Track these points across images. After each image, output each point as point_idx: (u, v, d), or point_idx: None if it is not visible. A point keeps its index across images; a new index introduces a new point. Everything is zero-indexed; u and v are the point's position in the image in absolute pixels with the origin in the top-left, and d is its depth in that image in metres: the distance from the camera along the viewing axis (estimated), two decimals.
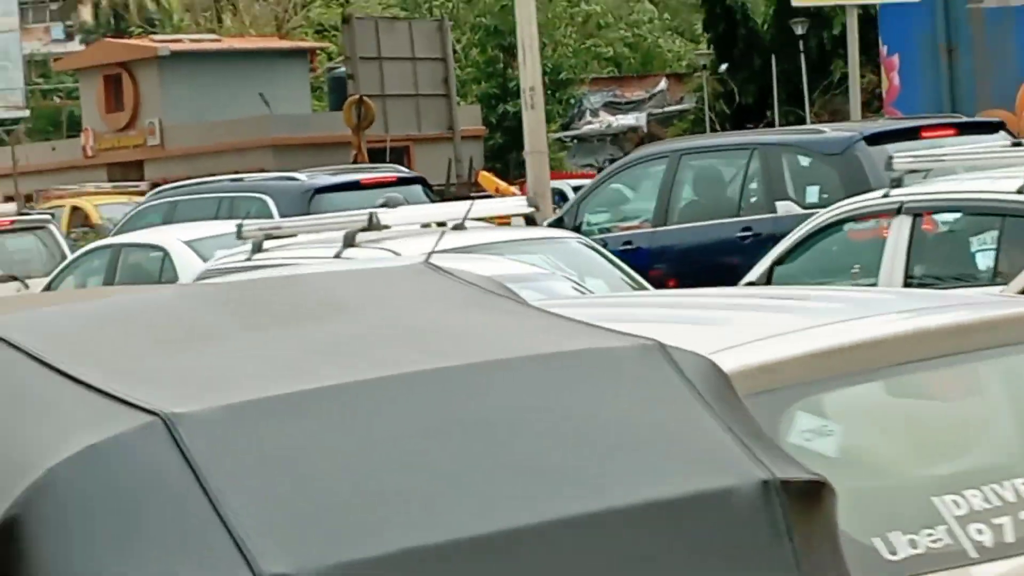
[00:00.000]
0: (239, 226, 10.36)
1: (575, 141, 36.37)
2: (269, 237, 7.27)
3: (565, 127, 36.27)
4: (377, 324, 1.77)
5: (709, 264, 9.67)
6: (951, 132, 9.92)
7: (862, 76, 27.33)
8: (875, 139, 9.73)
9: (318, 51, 31.22)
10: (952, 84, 20.35)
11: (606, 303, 4.57)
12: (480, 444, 1.49)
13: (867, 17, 25.11)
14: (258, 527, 1.24)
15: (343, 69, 25.92)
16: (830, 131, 11.06)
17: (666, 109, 38.31)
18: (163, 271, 10.84)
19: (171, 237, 11.45)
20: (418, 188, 13.59)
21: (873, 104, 27.70)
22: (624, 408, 1.61)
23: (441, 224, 7.04)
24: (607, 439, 1.55)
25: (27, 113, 38.96)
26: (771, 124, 27.03)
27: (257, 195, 13.02)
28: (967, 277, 6.39)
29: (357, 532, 1.35)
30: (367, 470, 1.42)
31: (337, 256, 6.56)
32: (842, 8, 26.00)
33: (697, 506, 1.48)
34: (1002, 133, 10.23)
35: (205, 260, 10.19)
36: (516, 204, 8.15)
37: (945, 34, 20.50)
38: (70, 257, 12.15)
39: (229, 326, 1.72)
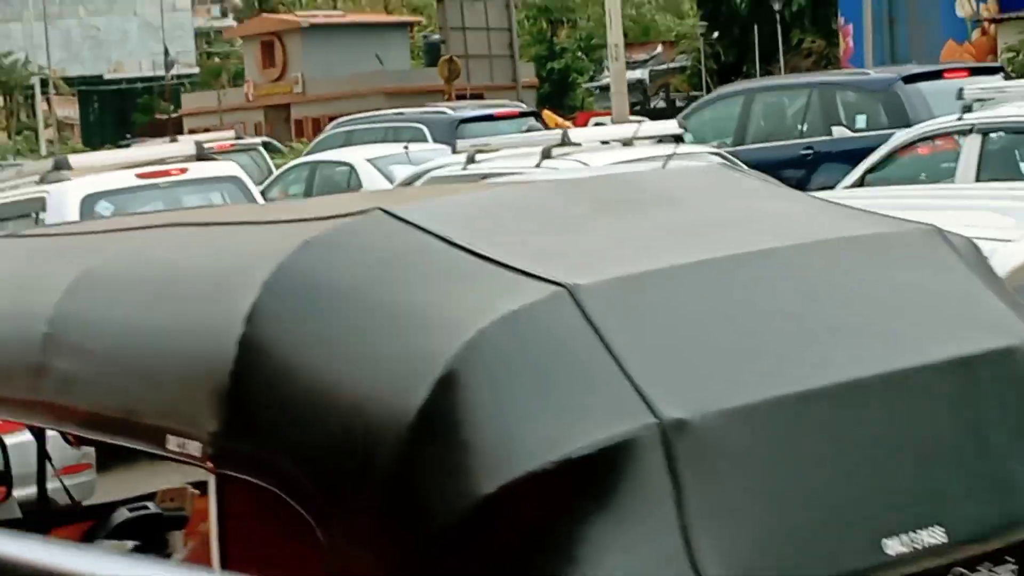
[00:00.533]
0: (405, 147, 10.39)
1: (599, 91, 36.15)
2: (479, 151, 6.78)
3: (591, 79, 36.07)
4: (705, 212, 1.62)
5: (777, 177, 9.09)
6: (966, 74, 9.43)
7: (812, 42, 27.94)
8: (910, 79, 9.34)
9: (415, 23, 30.49)
10: (892, 46, 20.42)
11: (879, 195, 4.34)
12: (823, 310, 1.39)
13: None
14: (657, 379, 1.15)
15: (436, 36, 25.99)
16: (875, 73, 10.74)
17: (662, 67, 37.80)
18: (350, 182, 10.44)
19: (356, 155, 11.04)
20: (533, 119, 13.04)
21: (822, 63, 26.94)
22: (923, 282, 1.50)
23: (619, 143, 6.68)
24: (916, 308, 1.45)
25: (197, 70, 38.43)
26: (748, 77, 26.49)
27: (415, 125, 12.45)
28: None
29: (738, 382, 1.25)
30: (739, 331, 1.32)
31: (537, 167, 6.10)
32: None
33: (990, 362, 1.38)
34: (1001, 75, 9.81)
35: (382, 173, 10.03)
36: (668, 126, 7.59)
37: (888, 8, 20.50)
38: (276, 172, 11.87)
39: (589, 214, 1.56)
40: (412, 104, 17.38)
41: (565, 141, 6.29)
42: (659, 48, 39.02)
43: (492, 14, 23.12)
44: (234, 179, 6.92)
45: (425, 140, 11.40)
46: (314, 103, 22.58)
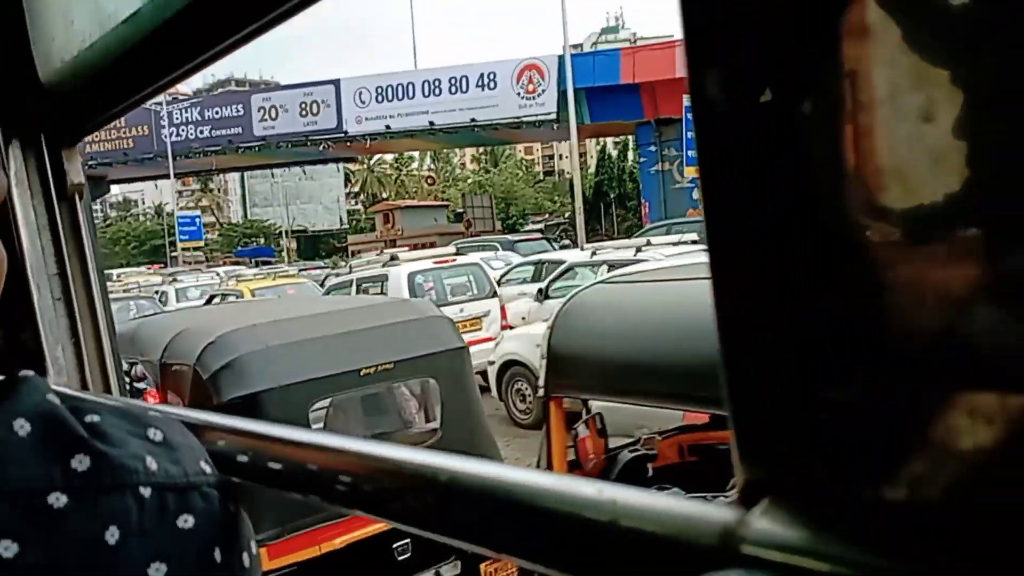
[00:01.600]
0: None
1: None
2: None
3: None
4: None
5: None
6: None
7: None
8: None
9: (448, 204, 52.64)
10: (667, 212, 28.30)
11: None
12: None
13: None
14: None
15: (460, 211, 48.44)
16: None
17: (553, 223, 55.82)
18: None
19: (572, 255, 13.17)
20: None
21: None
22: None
23: None
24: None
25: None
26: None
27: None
28: None
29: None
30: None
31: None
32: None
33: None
34: None
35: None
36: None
37: (663, 191, 30.44)
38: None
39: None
40: (446, 238, 38.40)
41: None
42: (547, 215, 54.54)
43: (484, 200, 44.44)
44: (478, 264, 10.86)
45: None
46: (406, 239, 35.79)
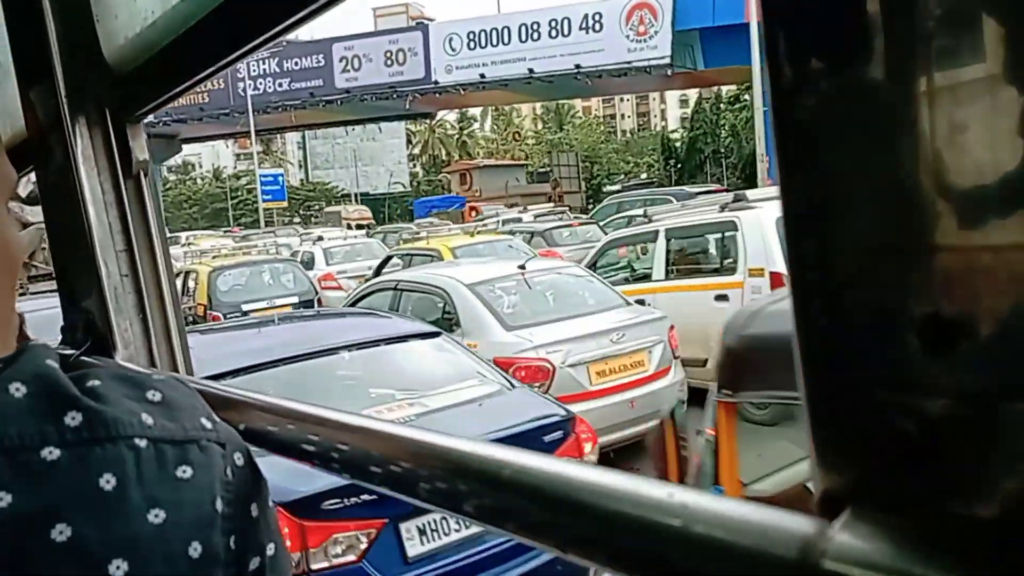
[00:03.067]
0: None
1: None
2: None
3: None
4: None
5: None
6: None
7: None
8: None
9: (527, 163, 50.30)
10: None
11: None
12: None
13: None
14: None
15: (543, 169, 45.79)
16: None
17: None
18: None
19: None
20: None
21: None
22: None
23: None
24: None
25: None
26: None
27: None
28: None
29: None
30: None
31: None
32: None
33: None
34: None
35: None
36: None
37: None
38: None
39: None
40: (530, 199, 36.21)
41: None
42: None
43: (571, 159, 42.35)
44: None
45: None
46: (484, 199, 34.68)
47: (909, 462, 0.29)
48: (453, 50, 32.25)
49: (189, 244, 23.56)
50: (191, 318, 9.61)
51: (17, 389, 0.51)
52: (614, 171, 45.40)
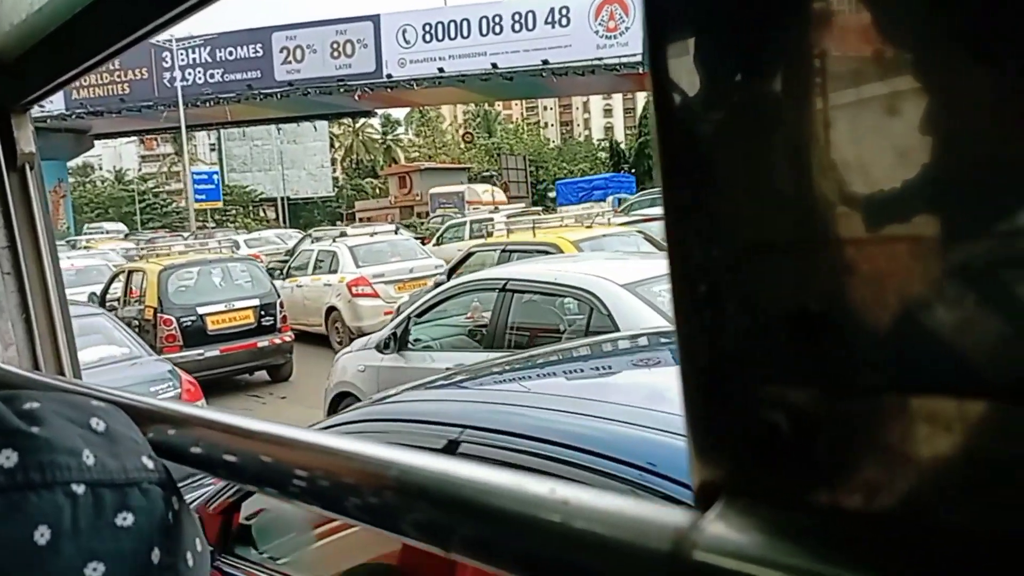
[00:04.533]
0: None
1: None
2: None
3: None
4: None
5: None
6: None
7: None
8: None
9: (468, 167, 48.07)
10: None
11: None
12: None
13: None
14: None
15: (487, 172, 43.94)
16: None
17: None
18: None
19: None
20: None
21: None
22: None
23: None
24: None
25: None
26: None
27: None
28: None
29: None
30: None
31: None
32: None
33: None
34: None
35: None
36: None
37: None
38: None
39: None
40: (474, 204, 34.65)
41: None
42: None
43: (518, 162, 41.03)
44: None
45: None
46: (426, 204, 33.75)
47: (779, 453, 0.29)
48: (407, 42, 30.10)
49: (86, 247, 21.92)
50: (138, 323, 8.85)
51: None
52: (559, 175, 44.03)
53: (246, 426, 0.55)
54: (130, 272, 9.87)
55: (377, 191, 55.66)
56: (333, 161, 64.06)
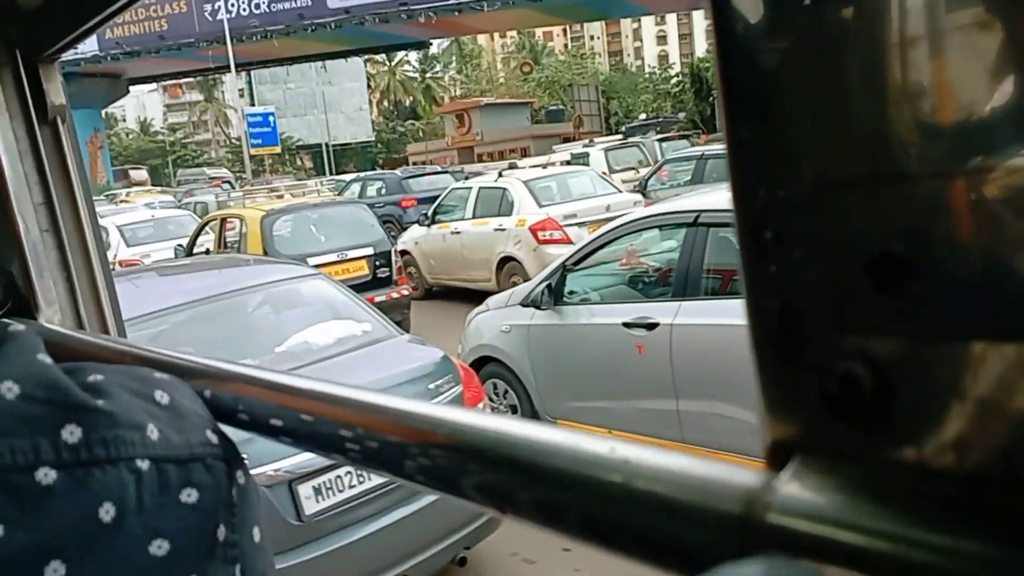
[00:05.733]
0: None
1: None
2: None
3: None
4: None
5: None
6: None
7: None
8: None
9: (532, 102, 41.86)
10: None
11: None
12: None
13: None
14: None
15: (555, 107, 40.29)
16: None
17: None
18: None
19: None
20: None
21: None
22: None
23: None
24: None
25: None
26: None
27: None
28: None
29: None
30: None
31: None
32: None
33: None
34: None
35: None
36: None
37: None
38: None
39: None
40: (543, 142, 31.07)
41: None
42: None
43: (591, 94, 37.62)
44: None
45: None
46: (488, 144, 31.35)
47: (859, 408, 0.27)
48: None
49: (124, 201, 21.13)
50: None
51: (9, 389, 0.45)
52: (632, 108, 40.50)
53: (298, 385, 0.52)
54: (223, 220, 8.63)
55: (421, 133, 52.44)
56: (369, 103, 60.74)
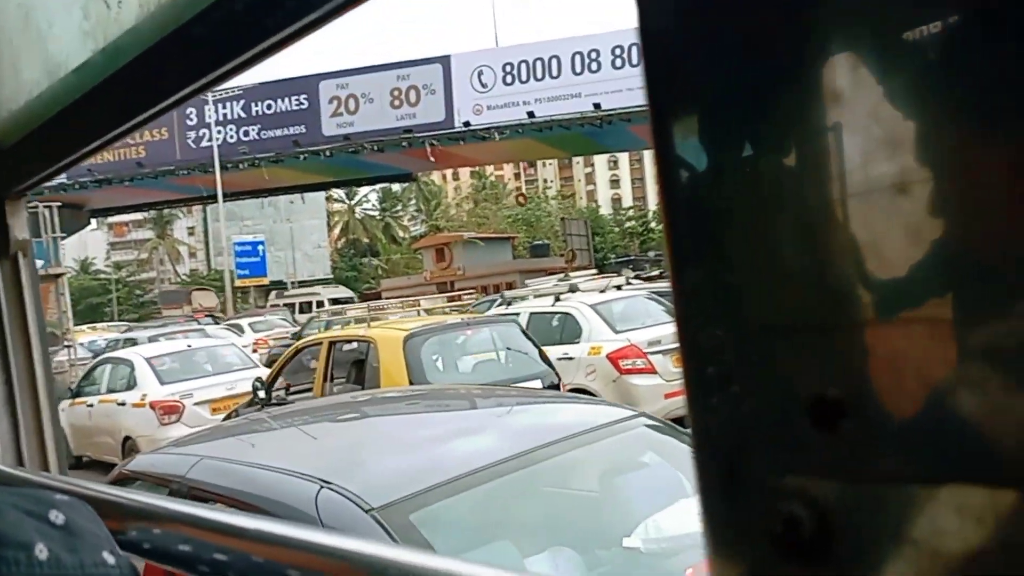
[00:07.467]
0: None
1: None
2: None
3: None
4: None
5: None
6: None
7: None
8: None
9: (514, 237, 41.18)
10: None
11: None
12: None
13: None
14: None
15: (540, 242, 39.49)
16: None
17: None
18: None
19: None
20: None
21: None
22: None
23: None
24: None
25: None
26: None
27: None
28: None
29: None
30: None
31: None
32: None
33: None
34: None
35: None
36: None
37: None
38: None
39: None
40: (530, 278, 30.04)
41: None
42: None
43: (580, 228, 36.76)
44: None
45: None
46: (471, 279, 29.73)
47: (802, 550, 0.28)
48: (484, 85, 25.93)
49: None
50: None
51: None
52: (614, 243, 40.06)
53: (237, 524, 0.53)
54: (331, 344, 6.98)
55: (379, 272, 50.98)
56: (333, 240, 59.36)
